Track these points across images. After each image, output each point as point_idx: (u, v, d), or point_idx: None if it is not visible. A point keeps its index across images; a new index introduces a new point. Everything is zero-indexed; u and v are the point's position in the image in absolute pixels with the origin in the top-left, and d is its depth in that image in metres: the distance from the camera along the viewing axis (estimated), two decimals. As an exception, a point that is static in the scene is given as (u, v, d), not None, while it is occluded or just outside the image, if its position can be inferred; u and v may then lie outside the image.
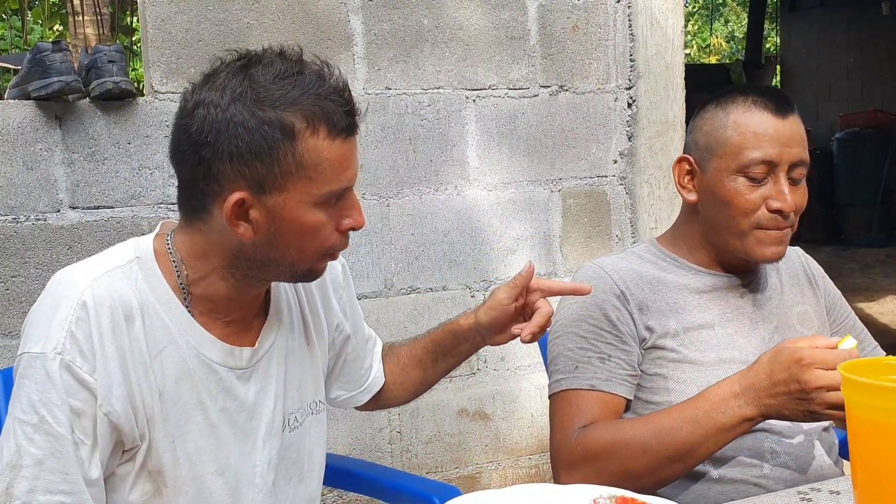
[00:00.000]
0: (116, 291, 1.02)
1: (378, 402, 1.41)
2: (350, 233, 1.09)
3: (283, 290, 1.21)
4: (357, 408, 1.42)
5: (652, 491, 1.23)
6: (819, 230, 8.10)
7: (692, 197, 1.38)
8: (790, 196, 1.29)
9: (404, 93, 2.47)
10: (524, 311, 1.26)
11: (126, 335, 1.02)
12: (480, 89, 2.56)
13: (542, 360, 1.66)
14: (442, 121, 2.52)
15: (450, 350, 1.33)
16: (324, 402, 1.27)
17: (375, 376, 1.38)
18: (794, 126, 1.31)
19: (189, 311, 1.07)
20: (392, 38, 2.45)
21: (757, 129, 1.29)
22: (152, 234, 1.11)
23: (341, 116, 1.00)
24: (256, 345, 1.14)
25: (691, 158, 1.37)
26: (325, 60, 1.05)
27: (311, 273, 1.10)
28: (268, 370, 1.15)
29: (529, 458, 2.73)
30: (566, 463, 1.28)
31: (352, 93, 1.05)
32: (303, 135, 0.98)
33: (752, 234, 1.31)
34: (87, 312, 1.00)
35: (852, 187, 8.34)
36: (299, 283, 1.23)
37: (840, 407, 1.03)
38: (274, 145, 0.98)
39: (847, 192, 8.40)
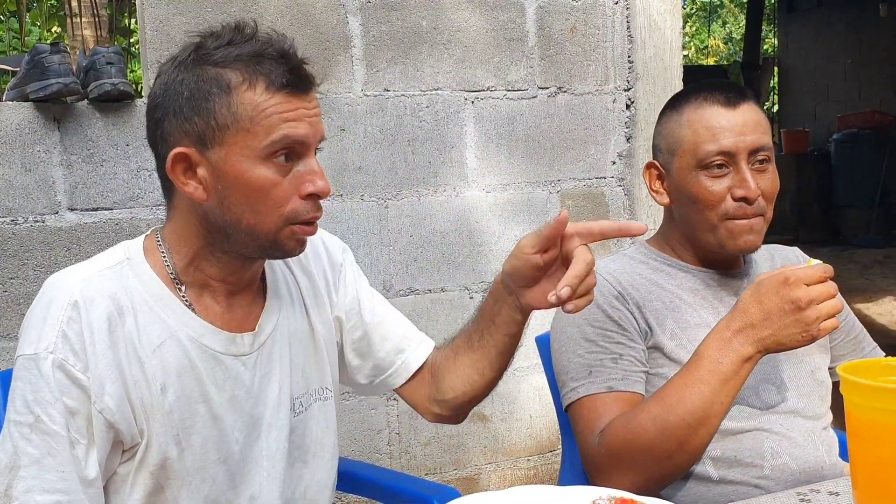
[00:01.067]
0: (106, 291, 1.03)
1: (439, 395, 1.28)
2: (320, 203, 1.06)
3: (279, 273, 1.20)
4: (428, 416, 1.32)
5: (690, 466, 1.23)
6: (817, 231, 8.11)
7: (665, 200, 1.41)
8: (752, 182, 1.30)
9: (403, 94, 2.47)
10: (562, 264, 1.10)
11: (119, 333, 1.03)
12: (479, 91, 2.56)
13: (540, 362, 1.66)
14: (440, 122, 2.52)
15: (490, 316, 1.20)
16: (331, 389, 1.24)
17: (406, 359, 1.30)
18: (747, 114, 1.33)
19: (186, 304, 1.08)
20: (391, 39, 2.45)
21: (709, 122, 1.32)
22: (143, 235, 1.12)
23: (281, 73, 1.01)
24: (256, 329, 1.13)
25: (657, 163, 1.41)
26: (282, 34, 1.06)
27: (276, 244, 1.06)
28: (271, 354, 1.15)
29: (528, 460, 2.73)
30: (597, 470, 1.27)
31: (299, 57, 1.05)
32: (238, 89, 1.00)
33: (723, 226, 1.33)
34: (79, 312, 1.01)
35: (850, 188, 8.35)
36: (294, 266, 1.21)
37: (834, 315, 1.12)
38: (209, 98, 1.00)
39: (845, 193, 8.41)
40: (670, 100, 1.42)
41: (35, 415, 0.99)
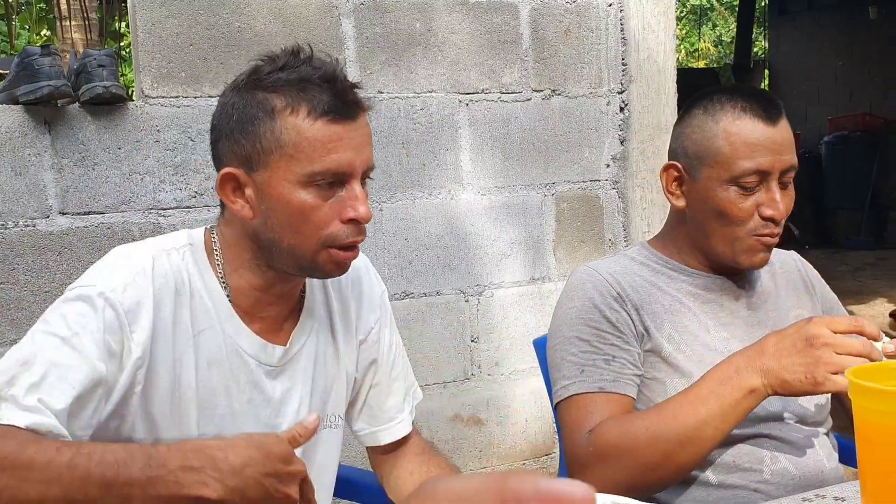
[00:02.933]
0: (173, 267, 1.08)
1: (392, 472, 1.32)
2: (363, 228, 1.08)
3: (317, 293, 1.22)
4: (375, 465, 1.35)
5: (671, 482, 1.22)
6: (809, 233, 8.13)
7: (681, 203, 1.37)
8: (782, 204, 1.29)
9: (396, 97, 2.46)
10: None
11: (175, 309, 1.06)
12: (473, 93, 2.55)
13: (536, 365, 1.65)
14: (434, 125, 2.51)
15: None
16: (342, 419, 1.27)
17: (402, 421, 1.32)
18: (784, 132, 1.29)
19: (230, 302, 1.11)
20: (384, 41, 2.43)
21: (748, 138, 1.27)
22: (203, 227, 1.16)
23: (325, 98, 1.03)
24: (288, 344, 1.16)
25: (680, 165, 1.36)
26: (335, 57, 1.08)
27: (315, 265, 1.08)
28: (296, 371, 1.17)
29: (523, 464, 2.72)
30: (581, 465, 1.27)
31: (350, 81, 1.07)
32: (282, 114, 1.02)
33: (744, 241, 1.31)
34: (147, 277, 1.05)
35: (841, 190, 8.38)
36: (333, 289, 1.23)
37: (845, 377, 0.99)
38: (255, 122, 1.03)
39: (836, 196, 8.43)
40: (699, 100, 1.36)
41: (73, 332, 0.98)
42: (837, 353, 1.06)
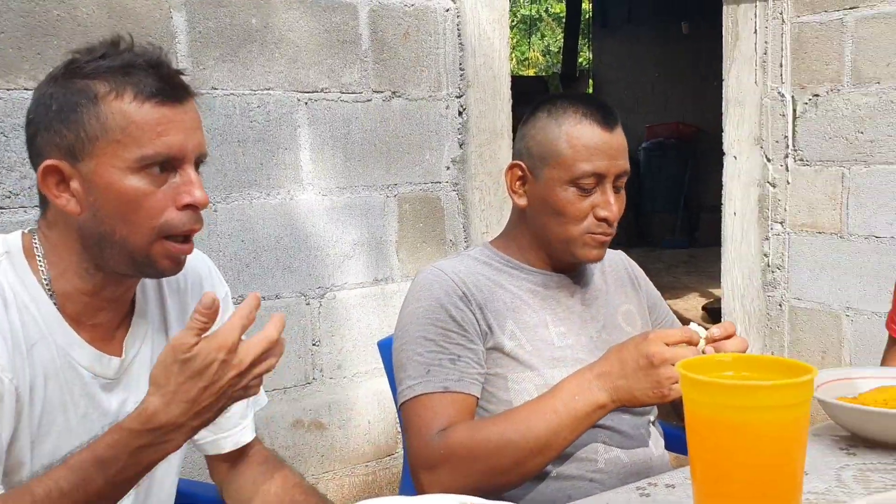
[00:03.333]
0: None
1: (234, 481, 1.27)
2: (199, 216, 1.04)
3: (150, 296, 1.15)
4: (216, 475, 1.29)
5: (516, 486, 1.26)
6: (629, 234, 8.64)
7: (523, 202, 1.42)
8: (615, 205, 1.36)
9: (232, 93, 2.38)
10: None
11: (5, 323, 0.98)
12: (312, 92, 2.51)
13: (380, 367, 1.64)
14: (272, 123, 2.45)
15: None
16: None
17: (245, 427, 1.27)
18: (619, 139, 1.38)
19: (58, 310, 1.03)
20: (218, 36, 2.35)
21: (588, 142, 1.34)
22: (20, 231, 1.06)
23: (151, 81, 0.99)
24: (123, 354, 1.08)
25: (523, 165, 1.41)
26: (158, 45, 1.04)
27: (149, 259, 1.02)
28: (131, 380, 1.10)
29: (366, 466, 2.71)
30: (428, 465, 1.27)
31: (175, 68, 1.03)
32: (106, 98, 0.98)
33: (581, 239, 1.37)
34: None
35: (657, 194, 8.96)
36: (169, 293, 1.16)
37: None
38: (77, 109, 0.99)
39: (653, 199, 9.01)
40: (543, 104, 1.42)
41: None
42: (673, 366, 1.14)
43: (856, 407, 1.00)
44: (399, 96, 2.67)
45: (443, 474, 1.24)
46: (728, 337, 1.18)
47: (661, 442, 1.47)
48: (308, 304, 2.54)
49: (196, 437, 1.25)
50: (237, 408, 1.25)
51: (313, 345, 2.58)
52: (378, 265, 2.67)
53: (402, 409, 1.34)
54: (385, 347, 1.56)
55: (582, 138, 1.35)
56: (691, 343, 1.17)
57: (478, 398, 1.34)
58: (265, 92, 2.43)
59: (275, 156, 2.46)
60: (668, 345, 1.16)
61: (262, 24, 2.42)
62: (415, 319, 1.36)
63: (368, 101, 2.62)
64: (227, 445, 1.26)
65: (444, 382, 1.31)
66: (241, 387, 0.94)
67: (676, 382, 1.14)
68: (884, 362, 1.74)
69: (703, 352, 1.16)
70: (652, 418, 1.47)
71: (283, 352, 0.97)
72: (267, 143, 2.44)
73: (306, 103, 2.50)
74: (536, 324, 1.39)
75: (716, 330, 1.18)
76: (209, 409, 0.93)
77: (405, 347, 1.36)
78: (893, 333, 1.70)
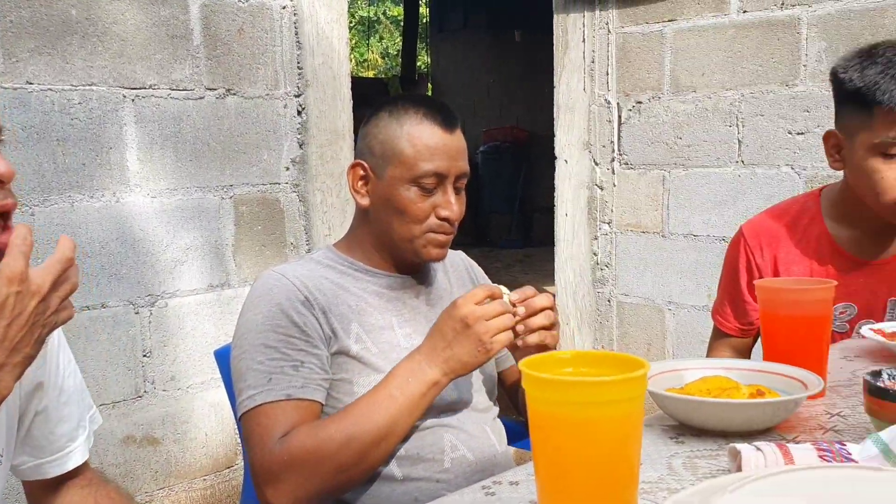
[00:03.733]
0: None
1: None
2: None
3: None
4: (34, 502, 1.19)
5: (361, 482, 1.25)
6: (469, 235, 8.83)
7: (365, 202, 1.41)
8: (456, 205, 1.38)
9: (50, 88, 2.21)
10: None
11: None
12: (140, 88, 2.38)
13: (217, 377, 1.58)
14: (95, 121, 2.30)
15: None
16: (9, 459, 1.09)
17: (74, 451, 1.17)
18: (459, 140, 1.41)
19: None
20: (33, 27, 2.17)
21: (429, 142, 1.36)
22: None
23: None
24: None
25: (366, 164, 1.40)
26: None
27: None
28: None
29: (204, 480, 2.60)
30: (272, 476, 1.23)
31: None
32: None
33: (423, 239, 1.39)
34: None
35: (495, 196, 9.21)
36: None
37: (505, 330, 1.22)
38: None
39: (490, 201, 9.26)
40: (386, 104, 1.42)
41: None
42: (488, 321, 1.23)
43: (682, 397, 1.06)
44: (234, 94, 2.58)
45: (288, 482, 1.21)
46: (527, 298, 1.27)
47: (504, 438, 1.50)
48: (137, 312, 2.40)
49: (16, 462, 1.15)
50: (65, 429, 1.16)
51: (144, 356, 2.44)
52: (213, 270, 2.57)
53: (242, 420, 1.29)
54: (222, 357, 1.50)
55: (423, 138, 1.36)
56: (494, 297, 1.25)
57: (322, 404, 1.32)
58: (87, 87, 2.28)
59: (98, 156, 2.31)
60: (477, 304, 1.23)
61: (84, 15, 2.26)
62: (254, 326, 1.32)
63: (201, 98, 2.51)
64: (53, 471, 1.16)
65: (286, 390, 1.27)
66: (51, 313, 0.87)
67: (496, 335, 1.23)
68: (710, 350, 1.87)
69: (514, 304, 1.25)
70: (494, 415, 1.49)
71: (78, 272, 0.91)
72: (90, 143, 2.29)
73: (133, 100, 2.37)
74: (382, 326, 1.38)
75: (514, 295, 1.27)
76: (24, 344, 0.86)
77: (245, 356, 1.31)
78: (718, 324, 1.83)
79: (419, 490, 1.33)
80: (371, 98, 1.60)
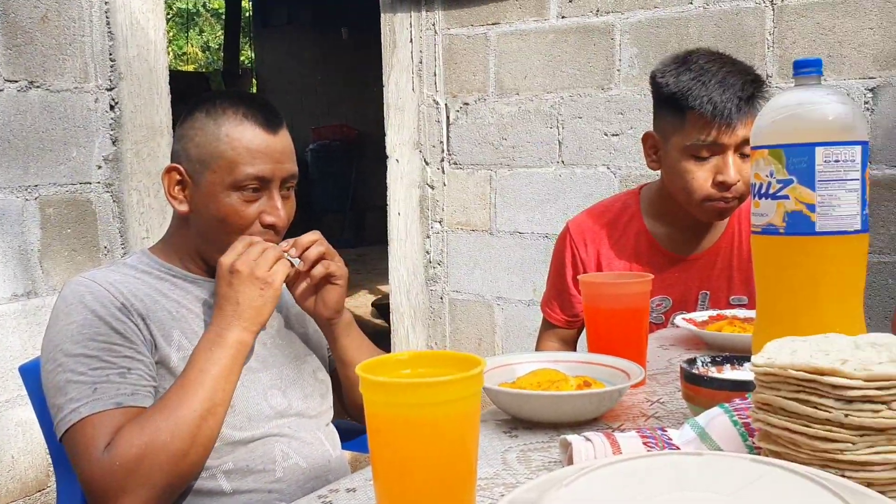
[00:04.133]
0: None
1: None
2: None
3: None
4: None
5: (200, 467, 1.22)
6: (300, 234, 8.70)
7: (184, 208, 1.34)
8: (283, 210, 1.34)
9: None
10: None
11: None
12: (-75, 78, 2.14)
13: (24, 394, 1.45)
14: None
15: None
16: None
17: None
18: (284, 141, 1.35)
19: None
20: None
21: (250, 144, 1.30)
22: None
23: None
24: None
25: (182, 169, 1.33)
26: None
27: None
28: None
29: (11, 507, 2.39)
30: (110, 489, 1.14)
31: None
32: None
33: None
34: None
35: (326, 195, 9.13)
36: None
37: (276, 260, 1.25)
38: None
39: (322, 199, 9.17)
40: (202, 103, 1.34)
41: None
42: (255, 259, 1.24)
43: (514, 391, 1.09)
44: (38, 87, 2.38)
45: (132, 491, 1.13)
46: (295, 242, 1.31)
47: (338, 442, 1.48)
48: (-73, 326, 2.16)
49: None
50: None
51: (-64, 374, 2.20)
52: (18, 278, 2.36)
53: (65, 436, 1.19)
54: (30, 372, 1.38)
55: (243, 140, 1.30)
56: (252, 245, 1.26)
57: None
58: None
59: None
60: (239, 254, 1.25)
61: None
62: (69, 336, 1.22)
63: (0, 90, 2.29)
64: None
65: (115, 398, 1.19)
66: None
67: (271, 267, 1.24)
68: (539, 341, 1.93)
69: (288, 254, 1.29)
70: (327, 420, 1.47)
71: None
72: None
73: (-83, 90, 2.13)
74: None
75: (284, 244, 1.31)
76: None
77: (61, 369, 1.21)
78: (547, 316, 1.90)
79: (251, 501, 1.29)
80: (192, 92, 1.51)
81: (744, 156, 1.62)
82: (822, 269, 0.98)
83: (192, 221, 1.34)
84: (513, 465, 0.93)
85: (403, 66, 3.14)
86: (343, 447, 1.49)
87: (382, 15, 3.16)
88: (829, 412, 0.71)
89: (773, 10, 2.38)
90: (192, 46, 18.87)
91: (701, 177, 1.63)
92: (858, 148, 0.98)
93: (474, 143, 3.03)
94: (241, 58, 12.48)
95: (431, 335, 3.22)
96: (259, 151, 1.30)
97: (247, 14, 11.71)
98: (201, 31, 19.35)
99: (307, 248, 1.33)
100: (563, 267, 1.85)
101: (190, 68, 17.17)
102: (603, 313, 1.31)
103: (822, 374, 0.72)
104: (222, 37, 12.24)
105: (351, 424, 1.55)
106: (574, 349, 1.88)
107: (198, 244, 1.35)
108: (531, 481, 0.70)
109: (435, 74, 3.08)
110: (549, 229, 2.85)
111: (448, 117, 3.07)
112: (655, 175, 1.82)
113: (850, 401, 0.71)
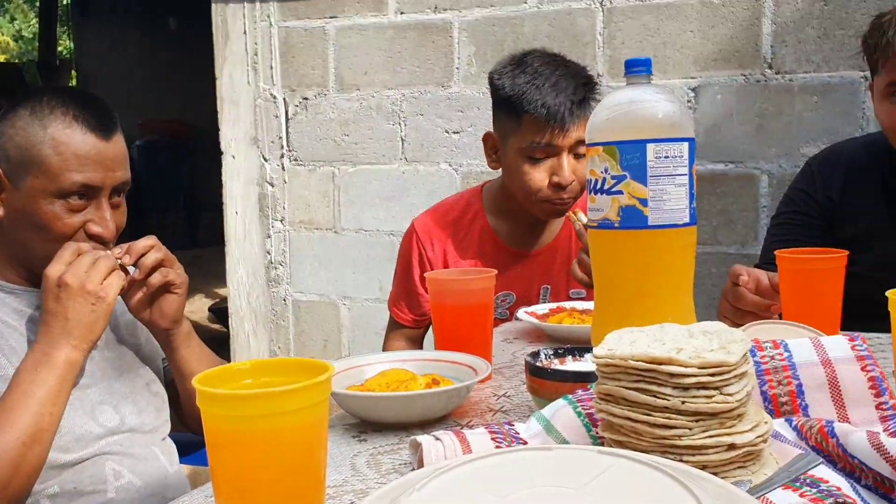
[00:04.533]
0: None
1: None
2: None
3: None
4: None
5: (25, 497, 1.12)
6: (129, 237, 8.25)
7: None
8: (112, 221, 1.27)
9: None
10: None
11: None
12: None
13: None
14: None
15: None
16: None
17: None
18: (117, 146, 1.28)
19: None
20: None
21: (79, 150, 1.22)
22: None
23: None
24: None
25: None
26: None
27: None
28: None
29: None
30: None
31: None
32: None
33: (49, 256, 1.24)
34: None
35: (157, 193, 8.70)
36: None
37: (119, 275, 1.18)
38: None
39: (153, 198, 8.72)
40: (25, 101, 1.23)
41: None
42: (87, 271, 1.15)
43: (362, 394, 1.06)
44: None
45: None
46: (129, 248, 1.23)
47: (176, 457, 1.41)
48: None
49: None
50: None
51: None
52: None
53: None
54: None
55: (71, 145, 1.21)
56: (81, 254, 1.17)
57: None
58: None
59: None
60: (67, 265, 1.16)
61: None
62: None
63: None
64: None
65: None
66: None
67: (104, 280, 1.15)
68: (386, 341, 1.92)
69: (122, 261, 1.21)
70: (163, 435, 1.39)
71: None
72: None
73: None
74: (25, 349, 1.22)
75: (117, 251, 1.23)
76: None
77: None
78: (395, 316, 1.89)
79: (78, 525, 1.20)
80: (5, 85, 1.38)
81: (578, 156, 1.68)
82: (655, 260, 1.02)
83: (7, 227, 1.24)
84: (362, 470, 0.91)
85: (237, 59, 3.03)
86: (181, 461, 1.42)
87: (213, 5, 3.03)
88: (668, 400, 0.74)
89: (603, 11, 2.48)
90: (4, 36, 17.54)
91: (537, 177, 1.68)
92: (686, 144, 1.03)
93: (315, 138, 2.97)
94: (60, 48, 11.68)
95: (275, 339, 3.13)
96: (88, 158, 1.22)
97: (64, 2, 10.95)
98: (13, 19, 18.01)
99: (143, 255, 1.24)
100: (411, 266, 1.85)
101: (1, 59, 15.92)
102: (449, 310, 1.31)
103: (660, 363, 0.75)
104: (36, 26, 11.40)
105: (190, 437, 1.47)
106: (421, 347, 1.89)
107: (15, 251, 1.25)
108: (382, 487, 0.68)
109: (271, 67, 2.99)
110: (394, 227, 2.84)
111: (287, 112, 3.00)
112: (497, 173, 1.85)
113: (686, 388, 0.74)
